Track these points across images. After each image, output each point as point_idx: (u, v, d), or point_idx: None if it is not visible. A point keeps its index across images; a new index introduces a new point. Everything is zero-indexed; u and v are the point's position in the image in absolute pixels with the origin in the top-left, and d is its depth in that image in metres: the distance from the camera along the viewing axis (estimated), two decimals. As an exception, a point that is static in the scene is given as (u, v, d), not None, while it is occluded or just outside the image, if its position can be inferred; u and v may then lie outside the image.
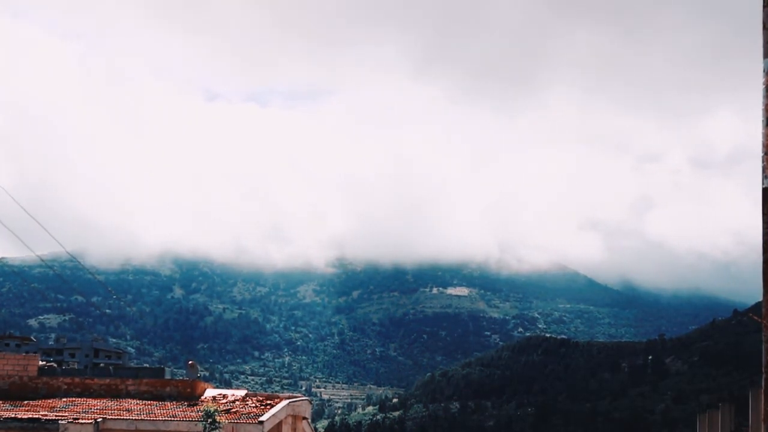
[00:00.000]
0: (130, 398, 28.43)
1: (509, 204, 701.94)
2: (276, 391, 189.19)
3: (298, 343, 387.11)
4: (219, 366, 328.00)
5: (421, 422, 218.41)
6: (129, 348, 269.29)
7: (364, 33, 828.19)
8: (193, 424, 25.17)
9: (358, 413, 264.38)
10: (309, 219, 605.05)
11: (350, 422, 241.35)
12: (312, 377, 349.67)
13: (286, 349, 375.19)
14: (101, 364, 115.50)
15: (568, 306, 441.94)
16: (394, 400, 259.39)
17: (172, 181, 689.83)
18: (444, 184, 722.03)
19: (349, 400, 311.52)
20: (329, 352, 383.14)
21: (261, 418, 25.72)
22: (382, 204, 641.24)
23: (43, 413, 26.05)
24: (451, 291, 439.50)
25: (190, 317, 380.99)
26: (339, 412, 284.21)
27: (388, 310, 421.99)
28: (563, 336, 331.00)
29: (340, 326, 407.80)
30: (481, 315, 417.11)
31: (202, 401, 27.69)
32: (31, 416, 25.54)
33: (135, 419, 25.86)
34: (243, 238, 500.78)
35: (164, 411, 26.83)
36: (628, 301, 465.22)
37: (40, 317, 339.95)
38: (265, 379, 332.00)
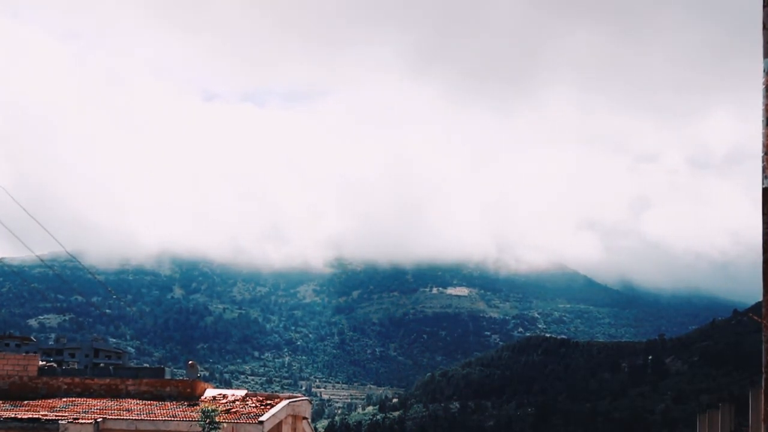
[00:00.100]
0: (130, 398, 28.43)
1: (507, 204, 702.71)
2: (276, 391, 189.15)
3: (298, 343, 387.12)
4: (219, 366, 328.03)
5: (421, 422, 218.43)
6: (129, 348, 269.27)
7: (362, 33, 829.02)
8: (193, 424, 25.17)
9: (358, 413, 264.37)
10: (307, 219, 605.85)
11: (350, 422, 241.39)
12: (312, 377, 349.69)
13: (286, 349, 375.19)
14: (101, 364, 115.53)
15: (568, 306, 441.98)
16: (394, 400, 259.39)
17: (170, 181, 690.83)
18: (442, 184, 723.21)
19: (349, 400, 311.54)
20: (329, 352, 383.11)
21: (261, 418, 25.72)
22: (380, 204, 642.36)
23: (43, 413, 26.06)
24: (451, 291, 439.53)
25: (190, 317, 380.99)
26: (339, 412, 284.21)
27: (388, 310, 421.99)
28: (563, 336, 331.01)
29: (340, 326, 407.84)
30: (481, 315, 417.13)
31: (202, 401, 27.69)
32: (31, 416, 25.54)
33: (135, 419, 25.86)
34: (241, 238, 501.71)
35: (164, 411, 26.84)
36: (627, 301, 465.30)
37: (40, 317, 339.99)
38: (265, 379, 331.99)
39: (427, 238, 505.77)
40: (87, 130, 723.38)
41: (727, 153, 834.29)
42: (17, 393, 28.78)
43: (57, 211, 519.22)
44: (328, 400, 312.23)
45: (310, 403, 32.55)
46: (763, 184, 8.03)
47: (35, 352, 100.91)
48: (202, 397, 28.55)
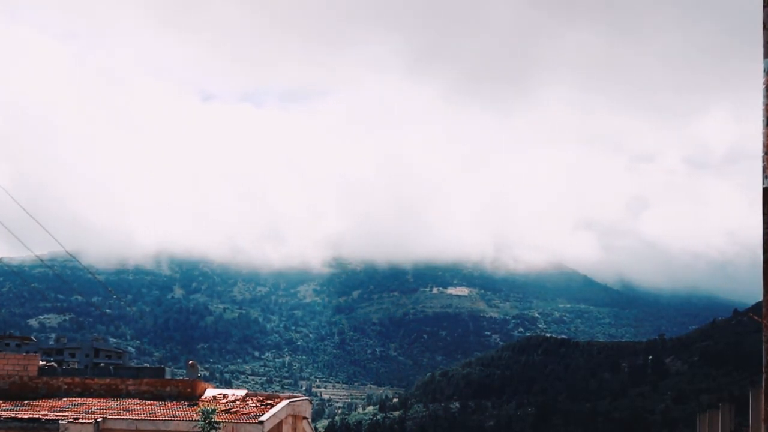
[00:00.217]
0: (131, 398, 28.44)
1: (505, 204, 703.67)
2: (276, 391, 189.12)
3: (298, 343, 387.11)
4: (219, 366, 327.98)
5: (421, 422, 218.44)
6: (129, 348, 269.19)
7: (361, 33, 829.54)
8: (193, 424, 25.18)
9: (358, 413, 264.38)
10: (305, 219, 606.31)
11: (350, 422, 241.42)
12: (312, 377, 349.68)
13: (286, 349, 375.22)
14: (101, 364, 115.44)
15: (568, 306, 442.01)
16: (394, 400, 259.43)
17: (169, 181, 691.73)
18: (440, 184, 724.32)
19: (349, 400, 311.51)
20: (329, 352, 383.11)
21: (261, 418, 25.72)
22: (379, 204, 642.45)
23: (44, 413, 26.06)
24: (451, 291, 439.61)
25: (190, 317, 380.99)
26: (339, 412, 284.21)
27: (388, 310, 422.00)
28: (563, 336, 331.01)
29: (340, 326, 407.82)
30: (481, 315, 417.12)
31: (202, 401, 27.70)
32: (31, 416, 25.55)
33: (135, 419, 25.86)
34: (239, 238, 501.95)
35: (164, 411, 26.84)
36: (627, 301, 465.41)
37: (40, 317, 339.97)
38: (265, 379, 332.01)
39: (426, 238, 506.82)
40: (85, 130, 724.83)
41: (724, 153, 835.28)
42: (17, 393, 28.78)
43: (55, 210, 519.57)
44: (328, 400, 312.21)
45: (310, 403, 32.56)
46: (763, 184, 8.04)
47: (35, 352, 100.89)
48: (203, 397, 28.55)
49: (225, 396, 28.84)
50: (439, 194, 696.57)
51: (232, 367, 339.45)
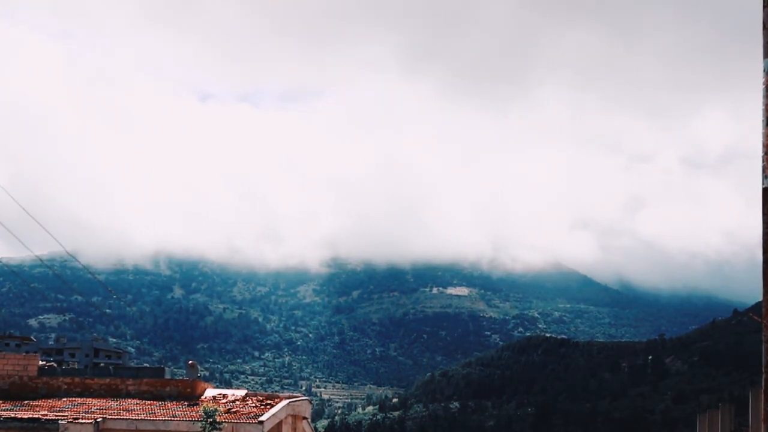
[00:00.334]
0: (130, 398, 28.44)
1: (502, 203, 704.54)
2: (276, 391, 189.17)
3: (298, 343, 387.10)
4: (219, 366, 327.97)
5: (421, 422, 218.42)
6: (129, 348, 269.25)
7: (357, 33, 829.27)
8: (193, 424, 25.18)
9: (358, 413, 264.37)
10: (302, 219, 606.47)
11: (350, 422, 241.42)
12: (312, 377, 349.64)
13: (286, 349, 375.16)
14: (101, 364, 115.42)
15: (568, 306, 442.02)
16: (394, 400, 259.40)
17: (166, 181, 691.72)
18: (437, 183, 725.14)
19: (349, 400, 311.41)
20: (329, 352, 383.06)
21: (261, 418, 25.72)
22: (375, 204, 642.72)
23: (43, 413, 26.06)
24: (451, 291, 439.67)
25: (190, 317, 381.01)
26: (339, 412, 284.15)
27: (388, 310, 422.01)
28: (563, 336, 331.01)
29: (340, 326, 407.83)
30: (481, 315, 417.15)
31: (202, 401, 27.70)
32: (31, 416, 25.54)
33: (135, 419, 25.86)
34: (236, 238, 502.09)
35: (164, 411, 26.84)
36: (627, 301, 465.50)
37: (40, 317, 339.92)
38: (265, 379, 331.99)
39: (423, 238, 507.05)
40: (83, 130, 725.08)
41: (722, 153, 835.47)
42: (17, 393, 28.78)
43: (52, 210, 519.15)
44: (328, 400, 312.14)
45: (310, 403, 32.56)
46: (763, 184, 8.03)
47: (35, 352, 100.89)
48: (202, 397, 28.55)
49: (225, 396, 28.84)
50: (437, 194, 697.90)
51: (232, 367, 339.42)
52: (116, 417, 25.93)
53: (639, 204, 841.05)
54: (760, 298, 8.27)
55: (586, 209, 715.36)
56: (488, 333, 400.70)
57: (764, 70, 8.13)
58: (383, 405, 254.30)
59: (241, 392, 29.56)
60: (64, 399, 28.38)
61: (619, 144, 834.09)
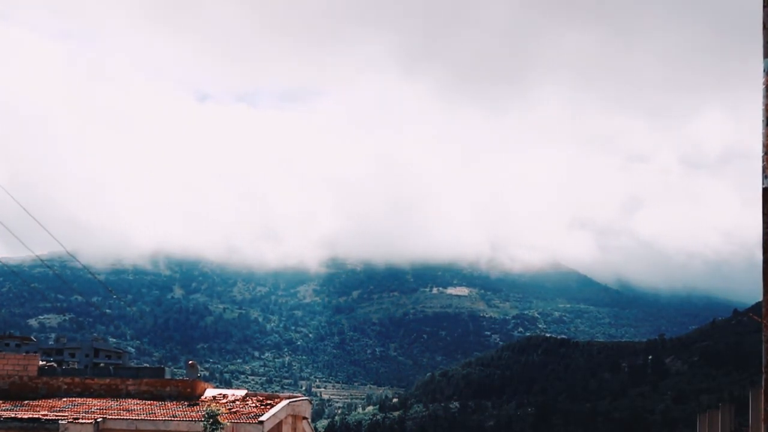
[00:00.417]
0: (130, 398, 28.43)
1: (501, 203, 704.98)
2: (276, 391, 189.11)
3: (298, 343, 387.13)
4: (219, 366, 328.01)
5: (421, 422, 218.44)
6: (129, 348, 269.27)
7: (355, 33, 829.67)
8: (193, 424, 25.18)
9: (358, 413, 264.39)
10: (301, 219, 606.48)
11: (350, 422, 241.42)
12: (312, 377, 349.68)
13: (286, 349, 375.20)
14: (101, 364, 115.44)
15: (568, 306, 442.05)
16: (394, 400, 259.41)
17: (164, 182, 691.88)
18: (436, 183, 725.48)
19: (349, 400, 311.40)
20: (329, 352, 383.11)
21: (261, 418, 25.73)
22: (375, 204, 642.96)
23: (43, 413, 26.06)
24: (451, 291, 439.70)
25: (190, 317, 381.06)
26: (339, 412, 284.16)
27: (388, 310, 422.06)
28: (563, 336, 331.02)
29: (340, 326, 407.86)
30: (481, 315, 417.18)
31: (202, 401, 27.70)
32: (31, 416, 25.54)
33: (135, 419, 25.86)
34: (235, 238, 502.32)
35: (164, 411, 26.84)
36: (627, 301, 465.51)
37: (40, 317, 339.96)
38: (265, 379, 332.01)
39: (423, 238, 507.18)
40: (81, 130, 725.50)
41: (720, 153, 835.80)
42: (17, 393, 28.78)
43: (51, 210, 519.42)
44: (328, 400, 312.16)
45: (310, 403, 32.56)
46: (763, 184, 8.03)
47: (35, 352, 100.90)
48: (202, 397, 28.56)
49: (225, 396, 28.85)
50: (437, 194, 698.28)
51: (232, 367, 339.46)
52: (116, 417, 25.93)
53: (638, 204, 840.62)
54: (760, 298, 8.27)
55: (585, 209, 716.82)
56: (488, 333, 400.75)
57: (764, 70, 8.14)
58: (383, 405, 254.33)
59: (241, 392, 29.56)
60: (64, 399, 28.38)
61: (618, 144, 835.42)
